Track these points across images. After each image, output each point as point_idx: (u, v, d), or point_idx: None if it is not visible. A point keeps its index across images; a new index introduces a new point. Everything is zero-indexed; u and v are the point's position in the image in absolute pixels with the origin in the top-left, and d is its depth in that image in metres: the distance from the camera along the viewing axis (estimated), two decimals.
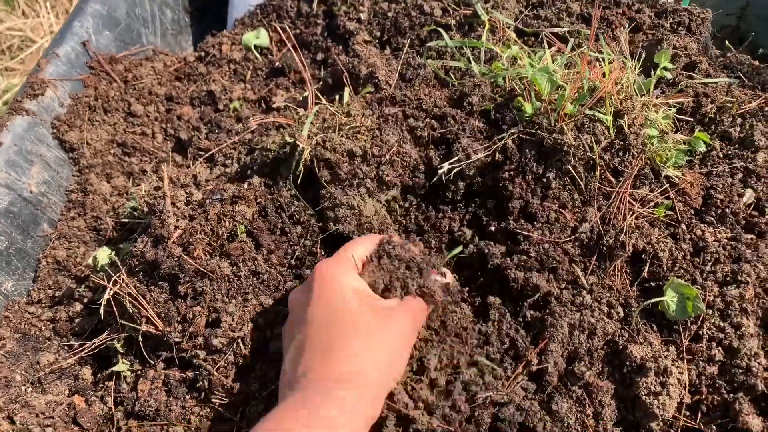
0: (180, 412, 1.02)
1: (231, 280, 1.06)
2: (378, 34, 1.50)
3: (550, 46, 1.33)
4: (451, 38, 1.38)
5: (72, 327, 1.24)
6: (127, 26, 1.62)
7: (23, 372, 1.16)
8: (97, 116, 1.45)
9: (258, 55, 1.59)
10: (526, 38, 1.41)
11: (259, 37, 1.57)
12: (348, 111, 1.15)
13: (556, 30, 1.37)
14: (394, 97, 1.21)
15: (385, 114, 1.16)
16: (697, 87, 1.26)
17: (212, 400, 1.01)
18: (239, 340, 1.02)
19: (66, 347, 1.23)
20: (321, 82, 1.45)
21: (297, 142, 1.07)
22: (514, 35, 1.38)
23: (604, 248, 1.10)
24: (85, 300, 1.26)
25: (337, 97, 1.24)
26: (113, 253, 1.16)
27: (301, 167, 1.09)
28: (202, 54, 1.63)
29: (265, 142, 1.15)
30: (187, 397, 1.03)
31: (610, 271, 1.10)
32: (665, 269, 1.08)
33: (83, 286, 1.28)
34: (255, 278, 1.08)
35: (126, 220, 1.25)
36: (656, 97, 1.23)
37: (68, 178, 1.41)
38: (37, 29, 4.04)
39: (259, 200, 1.12)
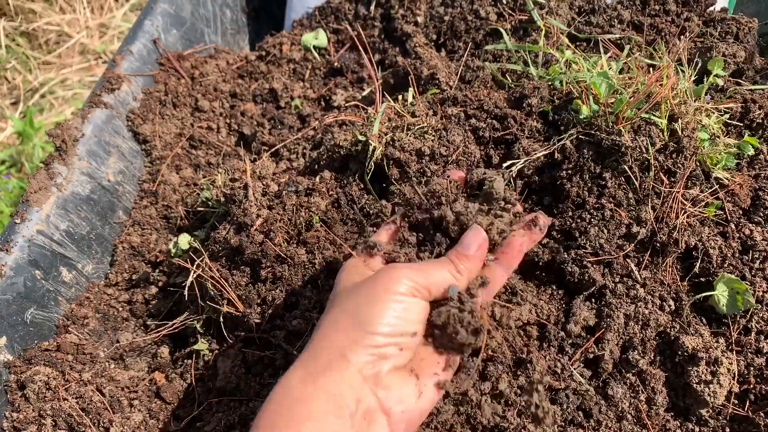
0: (259, 388, 1.10)
1: (307, 266, 1.13)
2: (434, 37, 1.57)
3: (605, 51, 1.39)
4: (508, 41, 1.45)
5: (148, 308, 1.32)
6: (192, 25, 1.70)
7: (105, 349, 1.25)
8: (167, 110, 1.53)
9: (316, 55, 1.66)
10: (578, 44, 1.47)
11: (318, 38, 1.65)
12: (413, 111, 1.21)
13: (608, 36, 1.43)
14: (455, 98, 1.28)
15: (448, 114, 1.22)
16: (745, 93, 1.32)
17: None
18: (315, 322, 1.09)
19: (142, 327, 1.31)
20: (381, 82, 1.52)
21: (369, 140, 1.14)
22: (567, 41, 1.44)
23: (658, 245, 1.16)
24: (160, 284, 1.34)
25: (399, 96, 1.31)
26: (192, 239, 1.23)
27: (372, 164, 1.16)
28: (263, 53, 1.71)
29: (336, 139, 1.22)
30: (266, 374, 1.11)
31: (663, 266, 1.17)
32: (715, 266, 1.15)
33: (157, 270, 1.36)
34: (327, 265, 1.15)
35: (200, 209, 1.33)
36: (707, 103, 1.29)
37: (141, 169, 1.49)
38: (73, 24, 4.14)
39: (331, 193, 1.19)
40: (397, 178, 1.18)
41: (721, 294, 1.11)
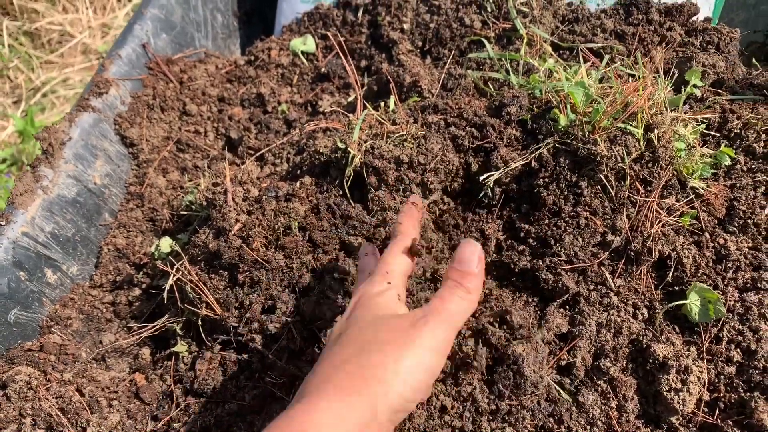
0: (235, 391, 1.12)
1: (284, 270, 1.15)
2: (420, 43, 1.58)
3: (585, 60, 1.41)
4: (490, 50, 1.46)
5: (131, 310, 1.34)
6: (182, 30, 1.72)
7: (88, 349, 1.27)
8: (155, 114, 1.56)
9: (305, 60, 1.68)
10: (561, 52, 1.48)
11: (306, 43, 1.67)
12: (394, 119, 1.23)
13: (590, 45, 1.45)
14: (436, 106, 1.29)
15: (428, 122, 1.24)
16: (724, 104, 1.33)
17: (265, 380, 1.10)
18: (291, 326, 1.11)
19: (125, 328, 1.33)
20: (365, 88, 1.53)
21: (348, 148, 1.16)
22: (549, 49, 1.46)
23: (632, 253, 1.17)
24: (143, 286, 1.36)
25: (382, 104, 1.33)
26: (174, 243, 1.25)
27: (351, 172, 1.18)
28: (252, 58, 1.73)
29: (317, 145, 1.24)
30: (242, 377, 1.13)
31: (637, 274, 1.18)
32: (688, 274, 1.16)
33: (141, 272, 1.38)
34: (306, 269, 1.17)
35: (183, 212, 1.35)
36: (685, 113, 1.31)
37: (127, 172, 1.51)
38: (75, 24, 4.18)
39: (311, 198, 1.21)
40: (376, 185, 1.19)
41: (693, 303, 1.12)
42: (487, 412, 1.07)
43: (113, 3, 4.24)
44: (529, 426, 1.08)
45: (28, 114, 3.44)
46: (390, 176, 1.17)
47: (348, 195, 1.19)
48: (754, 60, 1.54)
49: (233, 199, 1.18)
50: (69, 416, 1.09)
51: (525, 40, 1.42)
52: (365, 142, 1.20)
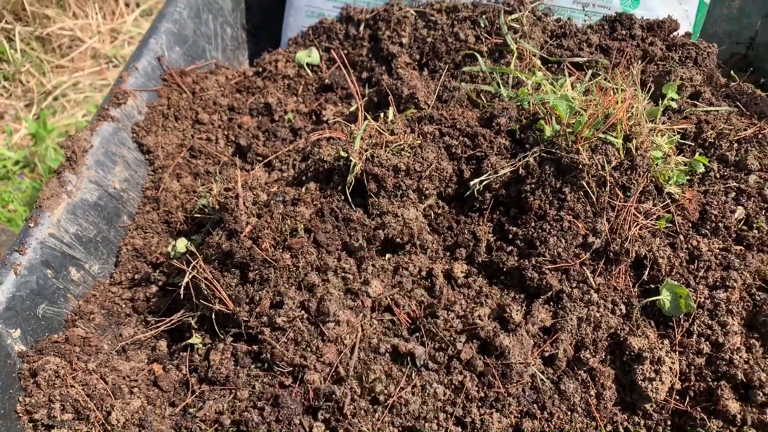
0: (246, 379, 1.22)
1: (291, 269, 1.26)
2: (417, 57, 1.69)
3: (570, 74, 1.51)
4: (483, 64, 1.56)
5: (148, 305, 1.44)
6: (194, 42, 1.83)
7: (109, 342, 1.37)
8: (170, 123, 1.66)
9: (309, 71, 1.78)
10: (549, 65, 1.59)
11: (311, 55, 1.77)
12: (392, 129, 1.33)
13: (576, 59, 1.55)
14: (432, 117, 1.40)
15: (424, 132, 1.34)
16: (700, 114, 1.44)
17: (274, 369, 1.20)
18: (297, 320, 1.21)
19: (143, 323, 1.43)
20: (366, 99, 1.64)
21: (350, 157, 1.26)
22: (539, 62, 1.56)
23: (611, 254, 1.27)
24: (160, 283, 1.46)
25: (382, 114, 1.43)
26: (189, 243, 1.36)
27: (352, 179, 1.28)
28: (260, 69, 1.83)
29: (321, 153, 1.34)
30: (252, 366, 1.23)
31: (615, 273, 1.28)
32: (663, 273, 1.26)
33: (158, 271, 1.48)
34: (311, 268, 1.27)
35: (197, 215, 1.46)
36: (662, 123, 1.41)
37: (144, 177, 1.62)
38: (85, 29, 4.29)
39: (315, 203, 1.31)
40: (376, 191, 1.30)
41: (665, 298, 1.23)
42: (477, 399, 1.17)
43: (122, 8, 4.35)
44: (515, 412, 1.18)
45: (41, 117, 3.55)
46: (388, 183, 1.27)
47: (350, 200, 1.30)
48: (732, 72, 1.64)
49: (244, 203, 1.28)
50: (95, 401, 1.19)
51: (515, 55, 1.52)
52: (366, 151, 1.30)
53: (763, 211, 1.30)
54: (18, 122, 3.77)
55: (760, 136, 1.37)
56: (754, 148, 1.36)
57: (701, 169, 1.36)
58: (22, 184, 3.25)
